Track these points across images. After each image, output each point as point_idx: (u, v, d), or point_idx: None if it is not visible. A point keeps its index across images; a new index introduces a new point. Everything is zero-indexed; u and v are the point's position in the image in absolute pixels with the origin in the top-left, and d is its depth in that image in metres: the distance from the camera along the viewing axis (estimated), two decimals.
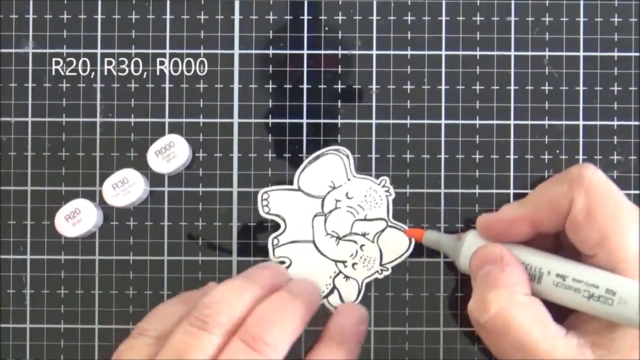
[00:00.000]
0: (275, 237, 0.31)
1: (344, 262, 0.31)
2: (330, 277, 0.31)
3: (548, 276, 0.25)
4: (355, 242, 0.31)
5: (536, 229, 0.26)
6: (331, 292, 0.31)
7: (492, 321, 0.24)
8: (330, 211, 0.31)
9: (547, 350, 0.24)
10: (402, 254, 0.31)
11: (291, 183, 0.31)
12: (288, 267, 0.31)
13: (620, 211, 0.25)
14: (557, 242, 0.28)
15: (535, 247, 0.27)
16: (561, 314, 0.26)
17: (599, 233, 0.25)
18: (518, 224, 0.26)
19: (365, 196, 0.31)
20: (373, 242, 0.31)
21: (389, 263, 0.31)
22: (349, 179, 0.31)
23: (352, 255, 0.31)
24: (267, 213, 0.31)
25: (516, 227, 0.26)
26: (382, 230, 0.31)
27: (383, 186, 0.31)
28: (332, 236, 0.31)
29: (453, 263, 0.29)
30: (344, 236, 0.31)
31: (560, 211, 0.25)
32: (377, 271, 0.31)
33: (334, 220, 0.31)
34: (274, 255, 0.31)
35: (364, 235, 0.31)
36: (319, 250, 0.31)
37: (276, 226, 0.31)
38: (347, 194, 0.31)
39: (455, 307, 0.31)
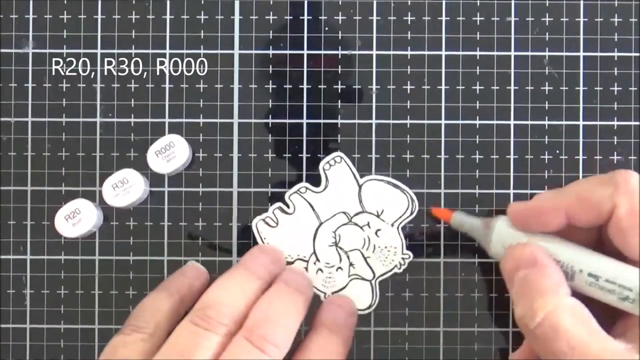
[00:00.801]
0: (306, 187, 0.31)
1: (318, 259, 0.31)
2: (298, 255, 0.31)
3: (580, 274, 0.25)
4: (340, 259, 0.31)
5: (570, 222, 0.26)
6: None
7: (542, 327, 0.24)
8: (354, 223, 0.31)
9: (597, 353, 0.23)
10: (359, 307, 0.31)
11: (355, 180, 0.31)
12: (290, 214, 0.31)
13: None
14: (598, 235, 0.28)
15: (572, 238, 0.26)
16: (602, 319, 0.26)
17: None
18: (553, 213, 0.26)
19: (385, 248, 0.31)
20: (349, 276, 0.31)
21: (340, 287, 0.31)
22: (392, 225, 0.31)
23: (327, 264, 0.31)
24: (324, 169, 0.31)
25: (550, 217, 0.26)
26: (361, 279, 0.31)
27: (402, 258, 0.31)
28: (334, 237, 0.31)
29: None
30: (340, 247, 0.31)
31: (600, 211, 0.25)
32: (323, 286, 0.31)
33: (348, 230, 0.31)
34: (289, 197, 0.31)
35: (350, 264, 0.31)
36: (315, 233, 0.31)
37: (317, 182, 0.31)
38: (377, 231, 0.31)
39: (455, 307, 0.31)
